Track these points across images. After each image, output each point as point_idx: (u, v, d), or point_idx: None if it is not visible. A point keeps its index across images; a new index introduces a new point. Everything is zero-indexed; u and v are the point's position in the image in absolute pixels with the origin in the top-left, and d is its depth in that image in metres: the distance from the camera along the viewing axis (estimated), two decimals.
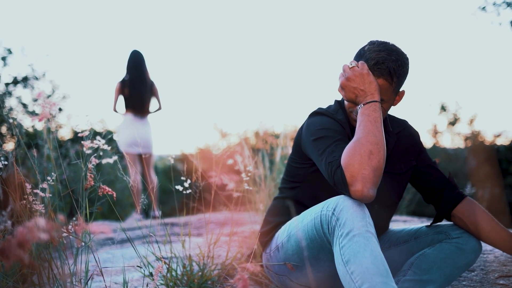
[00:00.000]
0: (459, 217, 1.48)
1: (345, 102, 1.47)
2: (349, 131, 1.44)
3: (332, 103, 1.57)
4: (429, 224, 1.56)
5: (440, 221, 1.55)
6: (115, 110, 4.29)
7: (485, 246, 2.18)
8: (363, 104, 1.31)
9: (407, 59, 1.39)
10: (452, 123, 7.81)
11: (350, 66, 1.36)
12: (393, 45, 1.38)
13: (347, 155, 1.22)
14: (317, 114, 1.50)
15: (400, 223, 3.13)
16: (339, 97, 1.56)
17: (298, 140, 1.54)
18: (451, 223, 1.53)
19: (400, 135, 1.56)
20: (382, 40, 1.40)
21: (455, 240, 1.45)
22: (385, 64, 1.33)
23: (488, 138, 7.38)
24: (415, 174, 1.58)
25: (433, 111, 8.18)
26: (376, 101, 1.31)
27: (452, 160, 7.11)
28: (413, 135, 1.61)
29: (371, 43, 1.40)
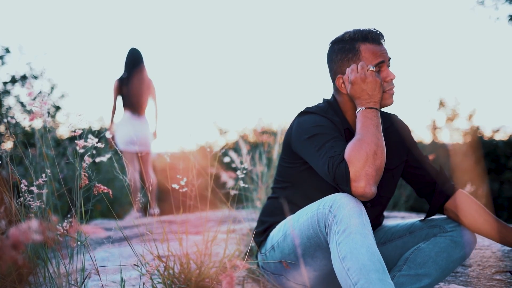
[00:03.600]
0: (451, 210, 1.48)
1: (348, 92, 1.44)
2: (342, 131, 1.43)
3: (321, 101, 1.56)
4: (423, 218, 1.56)
5: (434, 215, 1.55)
6: (114, 109, 4.27)
7: (483, 242, 2.18)
8: (365, 108, 1.34)
9: None
10: (451, 119, 7.80)
11: (370, 69, 1.37)
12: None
13: (352, 151, 1.24)
14: (308, 113, 1.48)
15: (398, 220, 3.12)
16: (328, 96, 1.55)
17: (288, 140, 1.53)
18: (445, 216, 1.52)
19: (389, 131, 1.55)
20: (343, 32, 1.46)
21: (450, 234, 1.45)
22: (374, 31, 1.42)
23: (486, 134, 7.38)
24: (406, 169, 1.58)
25: (432, 106, 8.17)
26: (377, 109, 1.35)
27: (451, 155, 7.10)
28: (403, 130, 1.59)
29: (346, 35, 1.44)
